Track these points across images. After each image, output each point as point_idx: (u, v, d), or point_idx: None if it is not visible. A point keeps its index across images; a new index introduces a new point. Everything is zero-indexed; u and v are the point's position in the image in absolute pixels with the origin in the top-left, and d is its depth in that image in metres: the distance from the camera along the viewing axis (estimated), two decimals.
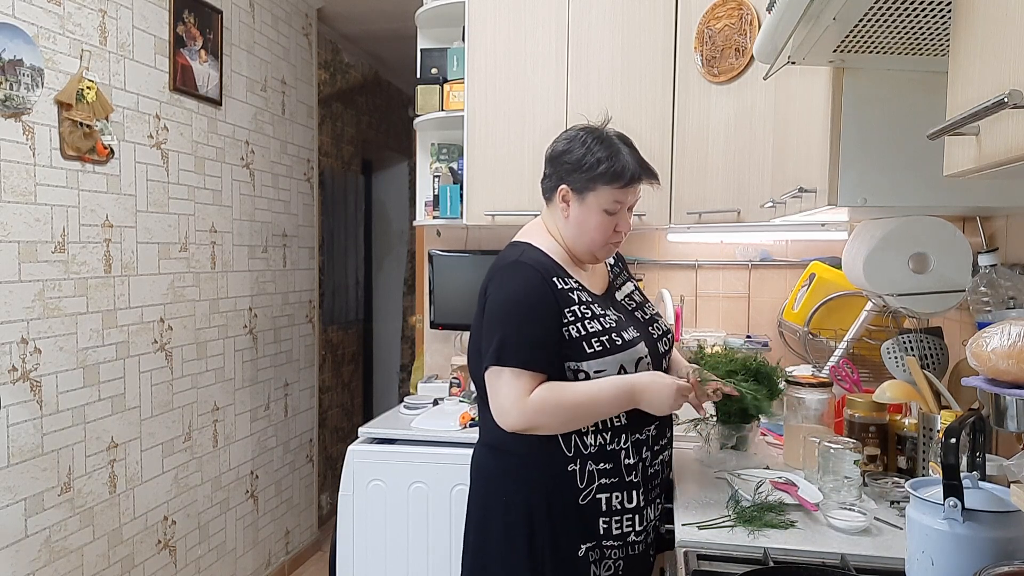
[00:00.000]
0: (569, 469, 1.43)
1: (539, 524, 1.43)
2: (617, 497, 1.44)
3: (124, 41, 2.30)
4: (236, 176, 2.96)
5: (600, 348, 1.42)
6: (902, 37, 1.11)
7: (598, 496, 1.43)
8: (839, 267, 1.95)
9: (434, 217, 2.72)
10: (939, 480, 1.02)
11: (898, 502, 1.51)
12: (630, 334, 1.47)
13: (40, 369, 2.00)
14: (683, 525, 1.43)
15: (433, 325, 2.89)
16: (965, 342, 1.18)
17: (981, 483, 1.07)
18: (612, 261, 1.67)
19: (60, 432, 2.07)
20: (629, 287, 1.64)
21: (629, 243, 2.79)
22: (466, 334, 2.57)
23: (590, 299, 1.47)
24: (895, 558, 1.25)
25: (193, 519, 2.70)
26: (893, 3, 0.97)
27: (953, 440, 0.99)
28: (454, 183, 2.67)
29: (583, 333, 1.42)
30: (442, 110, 2.65)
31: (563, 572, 1.43)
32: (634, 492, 1.45)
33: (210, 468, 2.81)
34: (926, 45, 1.15)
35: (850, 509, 1.43)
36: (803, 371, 2.18)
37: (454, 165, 2.74)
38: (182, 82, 2.57)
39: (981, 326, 1.26)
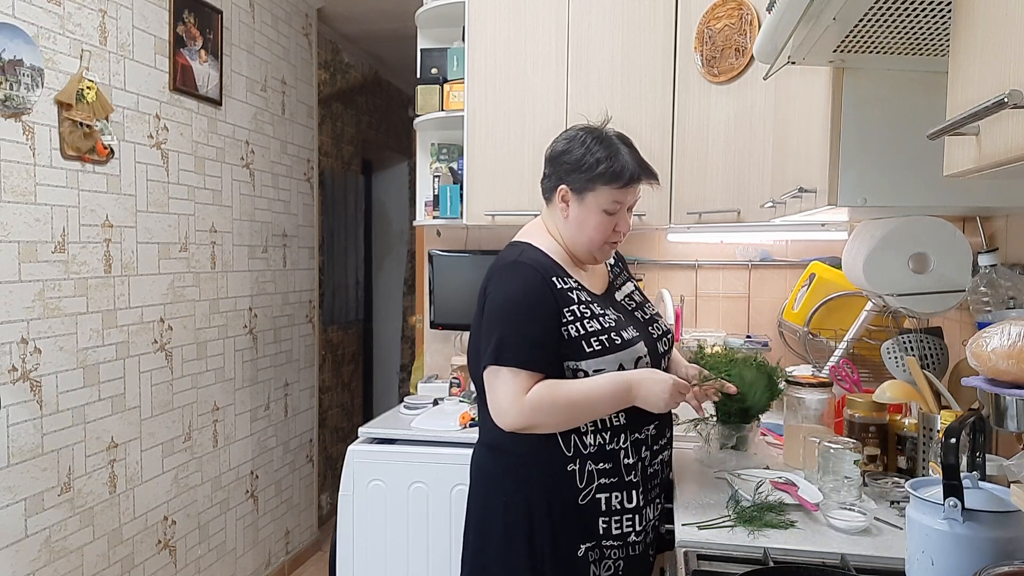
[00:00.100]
0: (568, 469, 1.43)
1: (539, 524, 1.43)
2: (616, 497, 1.44)
3: (124, 41, 2.30)
4: (236, 176, 2.96)
5: (599, 347, 1.42)
6: (902, 37, 1.11)
7: (597, 496, 1.43)
8: (839, 267, 1.95)
9: (434, 217, 2.72)
10: (939, 480, 1.02)
11: (898, 502, 1.51)
12: (629, 333, 1.47)
13: (40, 369, 2.00)
14: (683, 525, 1.43)
15: (433, 325, 2.89)
16: (965, 342, 1.18)
17: (981, 483, 1.07)
18: (612, 261, 1.67)
19: (60, 432, 2.07)
20: (629, 287, 1.64)
21: (629, 243, 2.79)
22: (466, 334, 2.57)
23: (589, 299, 1.47)
24: (895, 558, 1.25)
25: (193, 519, 2.70)
26: (893, 3, 0.97)
27: (953, 440, 0.99)
28: (454, 183, 2.67)
29: (582, 332, 1.42)
30: (442, 110, 2.65)
31: (563, 572, 1.43)
32: (633, 492, 1.45)
33: (210, 468, 2.81)
34: (926, 45, 1.15)
35: (850, 509, 1.43)
36: (803, 371, 2.18)
37: (454, 165, 2.74)
38: (182, 82, 2.57)
39: (981, 326, 1.26)
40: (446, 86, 2.65)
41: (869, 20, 1.04)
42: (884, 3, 0.97)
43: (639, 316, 1.58)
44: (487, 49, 2.52)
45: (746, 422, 1.87)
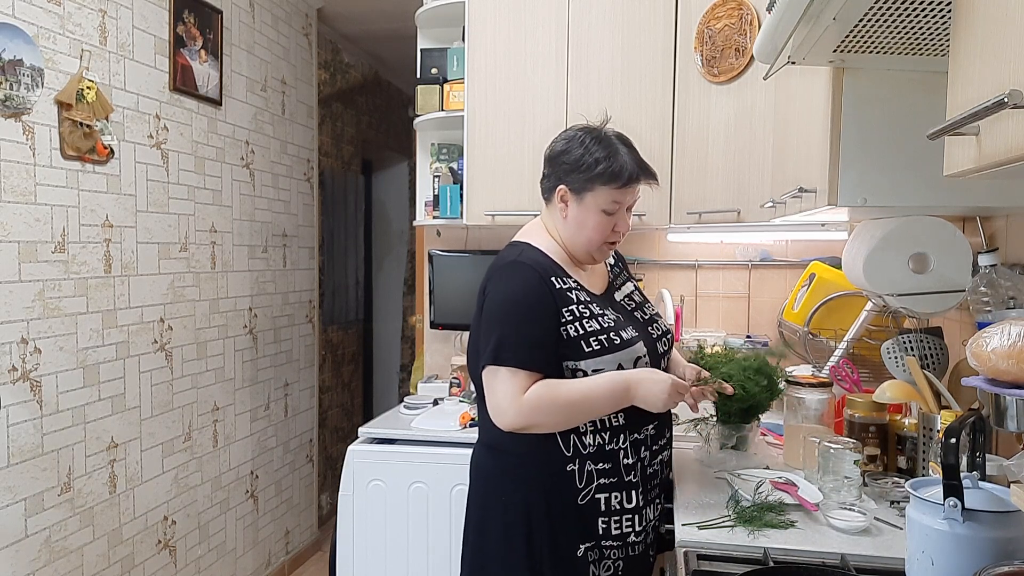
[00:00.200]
0: (568, 469, 1.43)
1: (538, 524, 1.43)
2: (616, 497, 1.44)
3: (124, 41, 2.30)
4: (236, 176, 2.96)
5: (598, 347, 1.42)
6: (902, 37, 1.11)
7: (597, 496, 1.43)
8: (839, 267, 1.95)
9: (434, 217, 2.72)
10: (939, 480, 1.02)
11: (898, 502, 1.51)
12: (628, 333, 1.47)
13: (40, 369, 2.00)
14: (683, 525, 1.43)
15: (433, 325, 2.89)
16: (965, 342, 1.18)
17: (981, 483, 1.07)
18: (612, 261, 1.67)
19: (60, 432, 2.07)
20: (629, 287, 1.64)
21: (629, 243, 2.79)
22: (466, 334, 2.58)
23: (588, 299, 1.47)
24: (895, 558, 1.25)
25: (193, 519, 2.70)
26: (893, 3, 0.97)
27: (953, 440, 0.99)
28: (454, 183, 2.67)
29: (581, 332, 1.42)
30: (442, 110, 2.65)
31: (562, 572, 1.43)
32: (633, 492, 1.45)
33: (210, 468, 2.81)
34: (926, 45, 1.15)
35: (850, 509, 1.43)
36: (803, 371, 2.17)
37: (454, 165, 2.74)
38: (182, 82, 2.57)
39: (981, 326, 1.26)
40: (446, 86, 2.65)
41: (869, 20, 1.04)
42: (884, 3, 0.97)
43: (639, 316, 1.58)
44: (487, 49, 2.52)
45: (746, 422, 1.87)
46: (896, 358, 1.80)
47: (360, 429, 2.43)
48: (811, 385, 1.86)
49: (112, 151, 2.24)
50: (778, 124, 1.88)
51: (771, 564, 1.24)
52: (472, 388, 2.09)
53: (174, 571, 2.59)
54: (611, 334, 1.43)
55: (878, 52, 1.20)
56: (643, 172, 1.47)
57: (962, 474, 1.01)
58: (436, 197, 2.71)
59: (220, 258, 2.85)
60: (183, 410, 2.63)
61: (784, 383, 1.86)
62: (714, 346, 2.23)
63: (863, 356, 2.16)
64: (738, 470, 1.71)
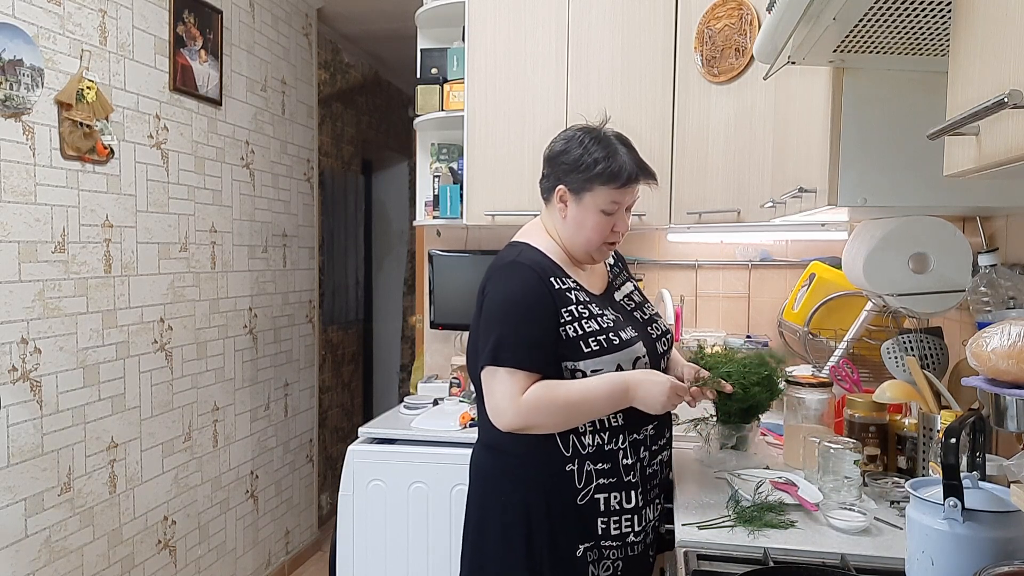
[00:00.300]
0: (567, 469, 1.43)
1: (537, 524, 1.43)
2: (615, 497, 1.44)
3: (124, 41, 2.30)
4: (236, 176, 2.96)
5: (597, 347, 1.42)
6: (902, 37, 1.11)
7: (596, 496, 1.43)
8: (839, 267, 1.95)
9: (434, 217, 2.72)
10: (939, 480, 1.02)
11: (898, 502, 1.51)
12: (628, 334, 1.46)
13: (40, 369, 2.00)
14: (683, 525, 1.43)
15: (433, 325, 2.89)
16: (965, 342, 1.18)
17: (981, 483, 1.07)
18: (612, 261, 1.67)
19: (60, 432, 2.07)
20: (628, 287, 1.64)
21: (629, 243, 2.79)
22: (466, 334, 2.58)
23: (588, 299, 1.47)
24: (895, 558, 1.25)
25: (193, 519, 2.70)
26: (893, 3, 0.97)
27: (953, 440, 0.99)
28: (454, 183, 2.67)
29: (580, 332, 1.42)
30: (442, 110, 2.65)
31: (561, 572, 1.43)
32: (632, 492, 1.45)
33: (210, 468, 2.81)
34: (926, 45, 1.15)
35: (850, 509, 1.43)
36: (803, 371, 2.17)
37: (454, 165, 2.74)
38: (182, 82, 2.57)
39: (981, 326, 1.26)
40: (446, 86, 2.65)
41: (869, 20, 1.04)
42: (884, 3, 0.97)
43: (638, 316, 1.57)
44: (487, 49, 2.52)
45: (746, 422, 1.87)
46: (896, 358, 1.80)
47: (360, 429, 2.43)
48: (811, 385, 1.86)
49: (112, 151, 2.24)
50: (778, 124, 1.88)
51: (771, 564, 1.24)
52: (472, 388, 2.09)
53: (174, 571, 2.59)
54: (610, 334, 1.43)
55: (878, 52, 1.20)
56: (642, 172, 1.47)
57: (962, 474, 1.01)
58: (436, 197, 2.71)
59: (220, 258, 2.85)
60: (183, 410, 2.63)
61: (784, 383, 1.86)
62: (714, 346, 2.23)
63: (863, 356, 2.16)
64: (738, 470, 1.71)
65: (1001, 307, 1.42)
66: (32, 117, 1.95)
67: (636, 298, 1.62)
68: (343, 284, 4.33)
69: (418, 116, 2.71)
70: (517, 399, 1.37)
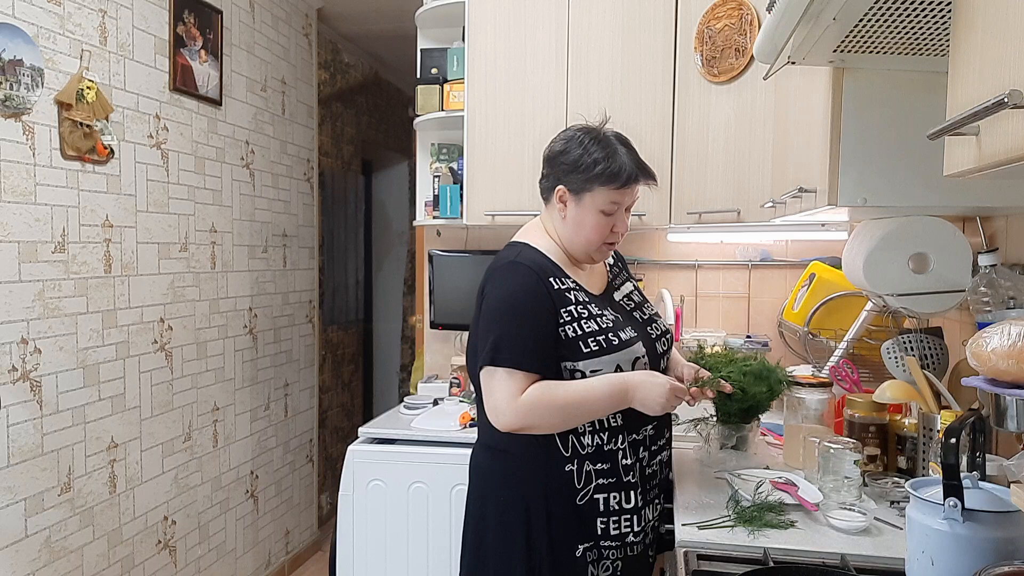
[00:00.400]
0: (566, 469, 1.43)
1: (536, 524, 1.43)
2: (615, 497, 1.43)
3: (124, 41, 2.30)
4: (236, 176, 2.96)
5: (596, 348, 1.41)
6: (902, 37, 1.11)
7: (595, 496, 1.43)
8: (839, 267, 1.95)
9: (434, 217, 2.72)
10: (939, 480, 1.02)
11: (898, 502, 1.51)
12: (627, 334, 1.46)
13: (40, 369, 2.00)
14: (683, 525, 1.43)
15: (433, 325, 2.89)
16: (965, 342, 1.18)
17: (981, 483, 1.07)
18: (612, 261, 1.67)
19: (60, 432, 2.07)
20: (628, 287, 1.64)
21: (629, 243, 2.79)
22: (466, 334, 2.58)
23: (587, 299, 1.47)
24: (895, 558, 1.25)
25: (193, 519, 2.70)
26: (893, 3, 0.97)
27: (953, 440, 0.99)
28: (454, 183, 2.67)
29: (579, 333, 1.42)
30: (442, 110, 2.65)
31: (560, 572, 1.43)
32: (632, 492, 1.45)
33: (210, 468, 2.81)
34: (926, 45, 1.15)
35: (850, 509, 1.43)
36: (803, 371, 2.17)
37: (454, 165, 2.74)
38: (182, 82, 2.57)
39: (981, 326, 1.26)
40: (446, 86, 2.65)
41: (869, 20, 1.04)
42: (884, 3, 0.97)
43: (638, 316, 1.57)
44: (487, 49, 2.52)
45: (746, 422, 1.87)
46: (896, 358, 1.80)
47: (360, 429, 2.43)
48: (811, 385, 1.86)
49: (112, 151, 2.24)
50: (778, 124, 1.88)
51: (771, 564, 1.24)
52: (472, 388, 2.09)
53: (174, 571, 2.59)
54: (609, 335, 1.43)
55: (878, 52, 1.20)
56: (642, 173, 1.47)
57: (962, 474, 1.01)
58: (436, 197, 2.71)
59: (220, 258, 2.85)
60: (183, 410, 2.63)
61: (784, 383, 1.86)
62: (714, 346, 2.23)
63: (863, 356, 2.16)
64: (738, 470, 1.71)
65: (1001, 307, 1.42)
66: (32, 117, 1.95)
67: (636, 298, 1.62)
68: (343, 284, 4.33)
69: (418, 116, 2.71)
70: (516, 399, 1.37)
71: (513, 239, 1.56)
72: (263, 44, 3.16)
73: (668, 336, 1.61)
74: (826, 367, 2.08)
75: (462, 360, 2.72)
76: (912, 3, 0.97)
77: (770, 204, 1.82)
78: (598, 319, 1.44)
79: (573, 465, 1.43)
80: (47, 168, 2.01)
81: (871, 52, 1.20)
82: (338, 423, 4.28)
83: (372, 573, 2.29)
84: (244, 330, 3.03)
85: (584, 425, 1.43)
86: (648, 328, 1.56)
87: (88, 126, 2.12)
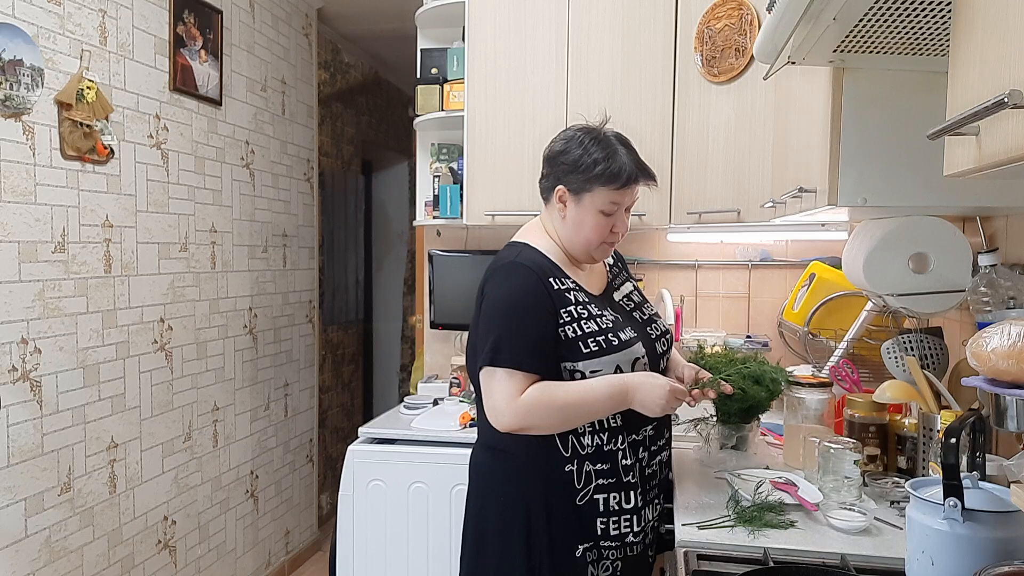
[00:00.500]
0: (566, 470, 1.43)
1: (536, 524, 1.43)
2: (615, 497, 1.43)
3: (124, 41, 2.30)
4: (236, 176, 2.96)
5: (596, 348, 1.41)
6: (902, 37, 1.11)
7: (595, 496, 1.43)
8: (839, 267, 1.95)
9: (434, 217, 2.72)
10: (939, 480, 1.02)
11: (898, 502, 1.51)
12: (627, 334, 1.46)
13: (40, 369, 2.00)
14: (683, 525, 1.43)
15: (433, 325, 2.89)
16: (965, 342, 1.18)
17: (981, 483, 1.07)
18: (611, 261, 1.67)
19: (60, 432, 2.07)
20: (628, 287, 1.64)
21: (629, 243, 2.79)
22: (466, 334, 2.58)
23: (587, 299, 1.47)
24: (895, 558, 1.25)
25: (193, 519, 2.70)
26: (893, 3, 0.97)
27: (953, 440, 0.99)
28: (454, 183, 2.67)
29: (579, 333, 1.42)
30: (442, 110, 2.65)
31: (560, 573, 1.43)
32: (631, 492, 1.45)
33: (210, 468, 2.81)
34: (926, 45, 1.15)
35: (850, 509, 1.43)
36: (803, 371, 2.17)
37: (454, 165, 2.74)
38: (182, 82, 2.57)
39: (981, 326, 1.27)
40: (446, 86, 2.65)
41: (869, 20, 1.04)
42: (884, 3, 0.97)
43: (637, 316, 1.57)
44: (487, 49, 2.52)
45: (746, 422, 1.87)
46: (896, 358, 1.80)
47: (360, 429, 2.43)
48: (811, 385, 1.86)
49: (112, 151, 2.24)
50: (778, 124, 1.88)
51: (771, 564, 1.24)
52: (472, 388, 2.09)
53: (174, 571, 2.59)
54: (609, 335, 1.43)
55: (878, 52, 1.20)
56: (642, 173, 1.47)
57: (962, 474, 1.01)
58: (436, 197, 2.71)
59: (220, 258, 2.85)
60: (183, 410, 2.63)
61: (784, 383, 1.86)
62: (714, 346, 2.23)
63: (863, 356, 2.16)
64: (738, 470, 1.71)
65: (1001, 307, 1.42)
66: (32, 117, 1.95)
67: (635, 298, 1.62)
68: (343, 284, 4.33)
69: (418, 116, 2.71)
70: (515, 400, 1.37)
71: (513, 239, 1.56)
72: (263, 44, 3.16)
73: (668, 336, 1.61)
74: (826, 367, 2.08)
75: (462, 360, 2.72)
76: (912, 3, 0.97)
77: (770, 204, 1.82)
78: (598, 319, 1.44)
79: (573, 465, 1.43)
80: (47, 168, 2.01)
81: (871, 52, 1.20)
82: (338, 423, 4.28)
83: (372, 573, 2.29)
84: (244, 330, 3.03)
85: (584, 425, 1.42)
86: (648, 328, 1.56)
87: (88, 126, 2.12)
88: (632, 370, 1.44)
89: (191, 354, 2.67)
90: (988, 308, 1.44)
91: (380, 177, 5.21)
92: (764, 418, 1.97)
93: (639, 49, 2.41)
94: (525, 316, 1.40)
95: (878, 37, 1.12)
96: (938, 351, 1.79)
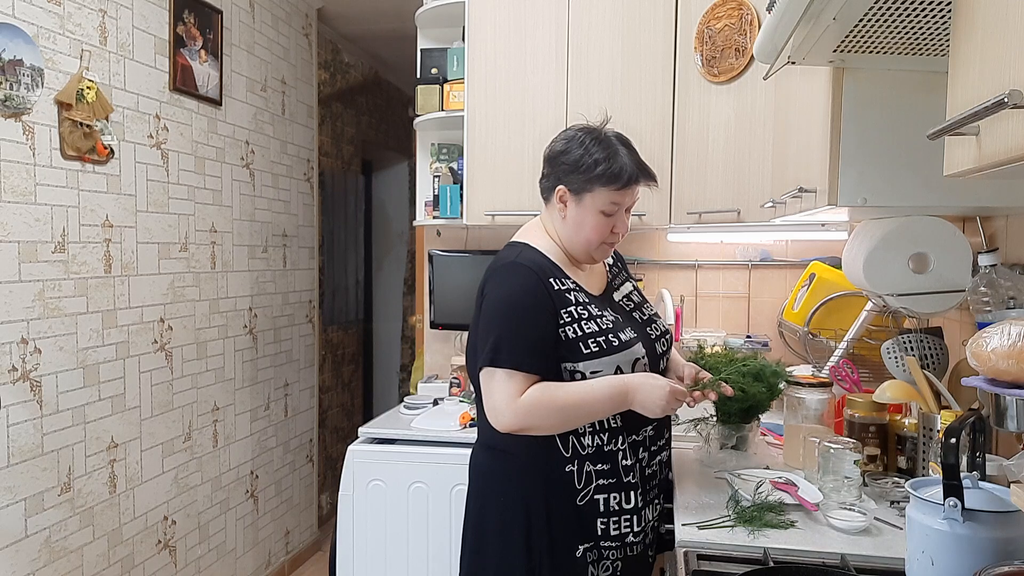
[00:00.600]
0: (567, 470, 1.43)
1: (536, 525, 1.43)
2: (615, 498, 1.43)
3: (124, 41, 2.30)
4: (236, 176, 2.96)
5: (596, 349, 1.41)
6: (902, 37, 1.11)
7: (596, 497, 1.43)
8: (839, 267, 1.95)
9: (434, 217, 2.72)
10: (939, 480, 1.02)
11: (898, 502, 1.51)
12: (627, 335, 1.46)
13: (40, 369, 2.00)
14: (683, 525, 1.43)
15: (433, 325, 2.89)
16: (965, 342, 1.18)
17: (981, 483, 1.07)
18: (611, 261, 1.67)
19: (60, 432, 2.07)
20: (628, 287, 1.64)
21: (629, 243, 2.79)
22: (466, 334, 2.58)
23: (587, 300, 1.47)
24: (895, 558, 1.25)
25: (193, 519, 2.70)
26: (893, 3, 0.97)
27: (953, 440, 0.99)
28: (454, 183, 2.67)
29: (579, 334, 1.42)
30: (442, 110, 2.65)
31: (560, 573, 1.43)
32: (632, 493, 1.45)
33: (210, 468, 2.81)
34: (926, 45, 1.15)
35: (850, 509, 1.43)
36: (803, 371, 2.17)
37: (454, 165, 2.74)
38: (182, 82, 2.57)
39: (981, 326, 1.26)
40: (446, 86, 2.65)
41: (869, 20, 1.04)
42: (884, 3, 0.97)
43: (637, 317, 1.57)
44: (487, 49, 2.52)
45: (746, 422, 1.87)
46: (896, 358, 1.80)
47: (360, 429, 2.43)
48: (811, 385, 1.86)
49: (112, 151, 2.24)
50: (778, 124, 1.88)
51: (771, 564, 1.24)
52: (472, 388, 2.09)
53: (174, 571, 2.59)
54: (609, 336, 1.43)
55: (878, 52, 1.20)
56: (642, 173, 1.47)
57: (962, 474, 1.01)
58: (436, 197, 2.71)
59: (220, 258, 2.85)
60: (183, 410, 2.63)
61: (784, 383, 1.86)
62: (714, 346, 2.23)
63: (863, 356, 2.16)
64: (738, 470, 1.71)
65: (1001, 307, 1.42)
66: (32, 117, 1.95)
67: (635, 298, 1.62)
68: (343, 284, 4.33)
69: (418, 116, 2.71)
70: (515, 400, 1.37)
71: (513, 239, 1.56)
72: (263, 44, 3.16)
73: (667, 336, 1.61)
74: (826, 367, 2.08)
75: (462, 360, 2.72)
76: (912, 3, 0.97)
77: (770, 204, 1.82)
78: (598, 320, 1.44)
79: (573, 466, 1.43)
80: (47, 168, 2.01)
81: (871, 52, 1.20)
82: (338, 423, 4.28)
83: (372, 573, 2.29)
84: (244, 330, 3.03)
85: (584, 426, 1.42)
86: (648, 329, 1.56)
87: (88, 126, 2.12)
88: (632, 371, 1.44)
89: (191, 354, 2.67)
90: (988, 308, 1.44)
91: (380, 177, 5.21)
92: (764, 418, 1.97)
93: (639, 49, 2.41)
94: (525, 316, 1.40)
95: (878, 37, 1.12)
96: (938, 351, 1.79)
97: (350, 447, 2.31)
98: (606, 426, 1.44)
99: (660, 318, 1.64)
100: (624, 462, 1.44)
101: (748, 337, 2.64)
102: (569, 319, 1.42)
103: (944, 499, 1.00)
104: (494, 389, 1.39)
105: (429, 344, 3.03)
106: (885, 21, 1.04)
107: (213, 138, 2.79)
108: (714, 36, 2.22)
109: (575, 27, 2.45)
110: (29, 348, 1.96)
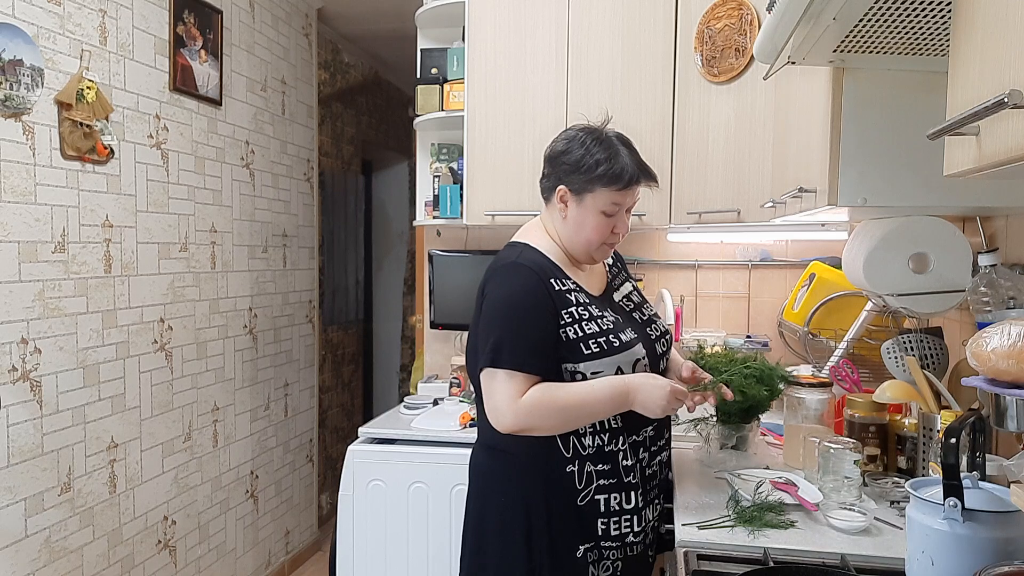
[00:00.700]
0: (567, 470, 1.43)
1: (537, 525, 1.43)
2: (615, 498, 1.43)
3: (124, 41, 2.30)
4: (236, 176, 2.96)
5: (597, 349, 1.41)
6: (902, 37, 1.11)
7: (596, 497, 1.43)
8: (839, 267, 1.95)
9: (434, 217, 2.72)
10: (939, 480, 1.02)
11: (898, 502, 1.51)
12: (627, 335, 1.46)
13: (40, 369, 2.00)
14: (683, 525, 1.43)
15: (433, 325, 2.89)
16: (965, 342, 1.18)
17: (981, 483, 1.07)
18: (611, 261, 1.67)
19: (60, 432, 2.07)
20: (628, 287, 1.64)
21: (629, 243, 2.79)
22: (466, 334, 2.58)
23: (588, 300, 1.47)
24: (895, 558, 1.25)
25: (193, 519, 2.70)
26: (893, 3, 0.97)
27: (953, 440, 0.99)
28: (454, 183, 2.67)
29: (580, 334, 1.42)
30: (442, 110, 2.65)
31: (561, 573, 1.43)
32: (632, 493, 1.45)
33: (210, 468, 2.81)
34: (926, 45, 1.15)
35: (850, 509, 1.43)
36: (803, 371, 2.17)
37: (454, 165, 2.74)
38: (182, 82, 2.57)
39: (981, 326, 1.26)
40: (446, 86, 2.65)
41: (869, 20, 1.04)
42: (884, 3, 0.97)
43: (637, 317, 1.57)
44: (487, 49, 2.52)
45: (746, 422, 1.87)
46: (896, 358, 1.80)
47: (360, 429, 2.43)
48: (811, 385, 1.86)
49: (112, 151, 2.24)
50: (778, 124, 1.88)
51: (771, 564, 1.24)
52: (472, 388, 2.09)
53: (174, 571, 2.59)
54: (610, 336, 1.43)
55: (878, 52, 1.20)
56: (643, 174, 1.47)
57: (962, 474, 1.01)
58: (436, 197, 2.71)
59: (220, 258, 2.85)
60: (183, 410, 2.63)
61: (784, 383, 1.86)
62: (714, 346, 2.23)
63: (863, 356, 2.16)
64: (738, 470, 1.71)
65: (1001, 307, 1.42)
66: (32, 117, 1.95)
67: (635, 299, 1.62)
68: (343, 284, 4.33)
69: (418, 116, 2.71)
70: (516, 401, 1.37)
71: (513, 239, 1.56)
72: (263, 44, 3.16)
73: (667, 337, 1.61)
74: (826, 367, 2.08)
75: (462, 360, 2.72)
76: (912, 3, 0.97)
77: (770, 204, 1.82)
78: (599, 320, 1.44)
79: (574, 466, 1.43)
80: (47, 168, 2.01)
81: (871, 52, 1.20)
82: (338, 423, 4.28)
83: (372, 573, 2.29)
84: (244, 330, 3.03)
85: (585, 426, 1.42)
86: (647, 329, 1.56)
87: (88, 126, 2.12)
88: (633, 371, 1.44)
89: (191, 354, 2.67)
90: (988, 308, 1.44)
91: (380, 177, 5.21)
92: (764, 418, 1.97)
93: (639, 49, 2.41)
94: (526, 317, 1.40)
95: (878, 37, 1.12)
96: (938, 351, 1.79)
97: (350, 447, 2.31)
98: (607, 426, 1.44)
99: (660, 318, 1.64)
100: (625, 462, 1.44)
101: (748, 337, 2.64)
102: (570, 320, 1.42)
103: (944, 499, 1.00)
104: (495, 390, 1.39)
105: (429, 344, 3.03)
106: (885, 21, 1.04)
107: (213, 138, 2.79)
108: (714, 36, 2.22)
109: (575, 27, 2.45)
110: (29, 348, 1.96)
